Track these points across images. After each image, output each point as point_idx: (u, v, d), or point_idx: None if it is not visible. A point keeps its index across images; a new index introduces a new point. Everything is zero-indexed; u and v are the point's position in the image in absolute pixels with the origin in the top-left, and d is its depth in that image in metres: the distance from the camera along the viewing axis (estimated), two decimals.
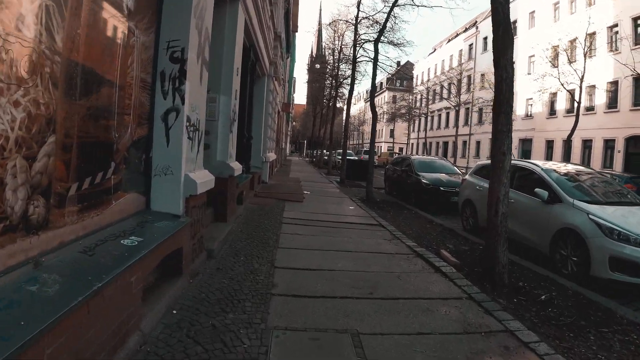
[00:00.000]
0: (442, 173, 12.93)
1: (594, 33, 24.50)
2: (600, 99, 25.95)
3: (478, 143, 40.87)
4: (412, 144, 58.19)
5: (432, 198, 11.64)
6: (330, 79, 29.77)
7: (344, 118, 19.75)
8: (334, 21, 21.40)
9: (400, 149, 61.89)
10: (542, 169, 7.28)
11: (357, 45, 18.64)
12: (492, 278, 4.97)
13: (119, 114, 3.10)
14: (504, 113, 4.98)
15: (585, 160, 26.37)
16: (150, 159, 3.69)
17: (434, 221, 9.48)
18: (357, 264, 5.17)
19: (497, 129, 5.00)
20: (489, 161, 9.56)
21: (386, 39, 15.98)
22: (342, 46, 24.76)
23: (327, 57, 29.22)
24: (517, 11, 34.78)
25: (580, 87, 22.41)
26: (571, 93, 22.49)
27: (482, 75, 38.32)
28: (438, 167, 13.44)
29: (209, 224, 5.76)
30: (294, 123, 77.62)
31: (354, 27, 18.55)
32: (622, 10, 24.11)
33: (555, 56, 24.21)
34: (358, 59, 18.82)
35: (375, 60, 12.44)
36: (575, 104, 23.17)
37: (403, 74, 63.49)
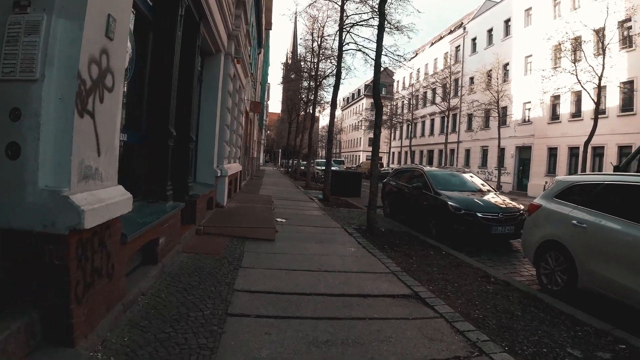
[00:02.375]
0: (469, 191, 9.29)
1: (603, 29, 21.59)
2: (613, 101, 22.94)
3: (467, 151, 37.70)
4: (393, 152, 54.81)
5: (466, 229, 7.94)
6: (309, 80, 26.10)
7: (328, 121, 16.06)
8: (313, 3, 17.68)
9: (380, 158, 58.46)
10: None
11: (344, 30, 15.04)
12: None
13: None
14: None
15: (596, 169, 23.31)
16: None
17: (489, 275, 5.77)
18: None
19: None
20: (589, 176, 5.91)
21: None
22: (324, 38, 21.15)
23: (305, 54, 25.47)
24: (511, 8, 32.10)
25: (599, 86, 19.44)
26: (588, 93, 19.53)
27: (471, 78, 35.50)
28: (461, 183, 9.77)
29: None
30: (268, 132, 73.65)
31: (339, 7, 14.99)
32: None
33: (573, 50, 21.04)
34: (345, 47, 15.18)
35: (380, 29, 8.60)
36: (593, 106, 20.20)
37: (382, 81, 60.26)
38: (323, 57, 21.95)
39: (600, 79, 18.92)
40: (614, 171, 11.33)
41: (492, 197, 8.90)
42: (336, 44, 17.14)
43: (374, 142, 8.87)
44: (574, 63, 20.18)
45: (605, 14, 19.40)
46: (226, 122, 9.43)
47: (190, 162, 6.61)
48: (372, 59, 15.50)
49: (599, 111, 20.15)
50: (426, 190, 9.20)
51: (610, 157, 22.91)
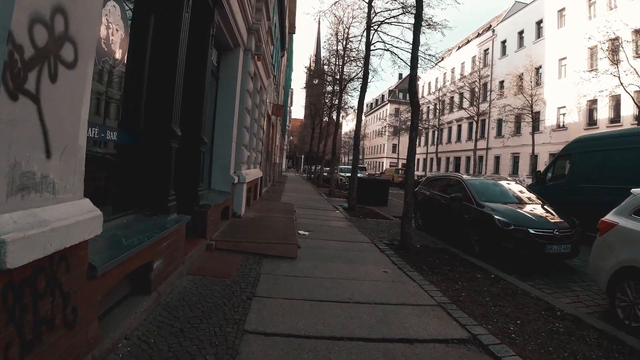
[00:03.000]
0: (514, 202, 8.22)
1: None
2: None
3: (497, 158, 36.20)
4: (418, 159, 53.34)
5: (515, 248, 6.89)
6: (333, 84, 25.32)
7: (353, 126, 15.19)
8: (337, 2, 16.81)
9: (404, 165, 57.13)
10: None
11: (372, 28, 14.17)
12: None
13: None
14: None
15: None
16: None
17: (554, 307, 4.75)
18: None
19: None
20: None
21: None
22: (349, 40, 20.31)
23: (329, 58, 24.69)
24: (543, 9, 30.70)
25: None
26: (631, 96, 18.17)
27: (501, 82, 34.18)
28: (504, 193, 8.68)
29: None
30: (291, 137, 73.24)
31: (367, 3, 14.13)
32: None
33: (613, 51, 19.67)
34: (372, 47, 14.28)
35: (417, 18, 7.61)
36: (633, 110, 18.90)
37: (406, 86, 58.97)
38: (348, 60, 21.15)
39: None
40: (536, 176, 10.17)
41: (542, 210, 7.81)
42: (362, 45, 16.32)
43: (410, 146, 7.88)
44: (616, 65, 18.86)
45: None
46: (245, 124, 8.63)
47: (202, 167, 5.82)
48: (402, 59, 14.69)
49: (632, 117, 18.87)
50: (467, 202, 8.18)
51: None
